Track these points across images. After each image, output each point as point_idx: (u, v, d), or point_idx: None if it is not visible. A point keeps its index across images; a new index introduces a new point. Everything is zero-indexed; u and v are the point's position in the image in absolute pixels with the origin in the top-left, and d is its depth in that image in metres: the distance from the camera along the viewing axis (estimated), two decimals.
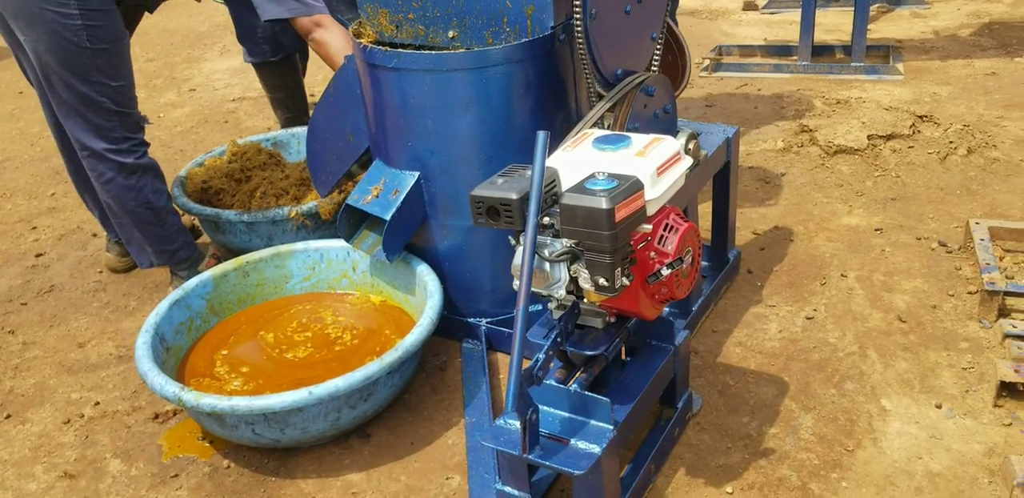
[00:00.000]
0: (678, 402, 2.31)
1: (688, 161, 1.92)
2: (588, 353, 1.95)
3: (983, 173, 3.45)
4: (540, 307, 2.63)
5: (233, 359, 2.51)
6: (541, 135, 1.69)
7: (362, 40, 2.34)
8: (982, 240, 2.84)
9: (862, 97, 4.11)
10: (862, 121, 3.71)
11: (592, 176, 1.70)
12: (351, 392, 2.17)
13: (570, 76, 2.36)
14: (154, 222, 2.84)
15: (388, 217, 2.39)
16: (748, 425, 2.34)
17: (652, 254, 1.83)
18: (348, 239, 2.58)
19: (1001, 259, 2.82)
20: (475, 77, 2.21)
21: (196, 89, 5.34)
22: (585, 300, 1.83)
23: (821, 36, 4.79)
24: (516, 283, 1.85)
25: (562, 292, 1.80)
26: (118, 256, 3.28)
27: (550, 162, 1.86)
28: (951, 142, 3.59)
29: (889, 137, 3.64)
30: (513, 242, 1.84)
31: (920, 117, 3.76)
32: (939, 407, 2.34)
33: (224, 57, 5.88)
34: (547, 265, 1.77)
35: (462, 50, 2.24)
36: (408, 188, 2.40)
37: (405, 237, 2.49)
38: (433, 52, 2.21)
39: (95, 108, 2.64)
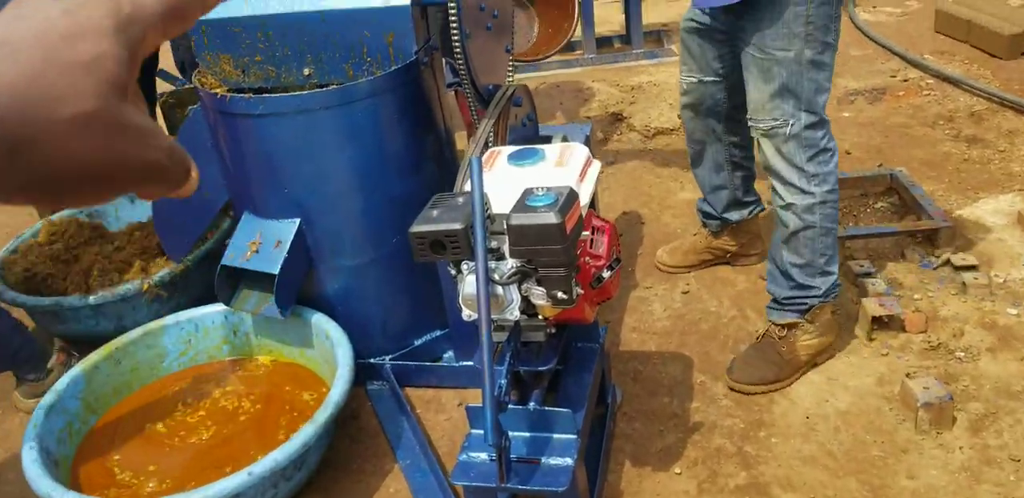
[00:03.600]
0: (608, 397, 2.35)
1: (598, 164, 1.95)
2: (540, 369, 1.94)
3: None
4: (438, 334, 2.59)
5: (131, 462, 2.25)
6: (475, 162, 1.66)
7: (216, 90, 2.18)
8: None
9: (652, 80, 4.35)
10: (669, 103, 3.93)
11: (530, 192, 1.69)
12: (288, 464, 2.03)
13: (435, 97, 2.32)
14: None
15: (277, 271, 2.24)
16: (671, 405, 2.42)
17: (587, 259, 1.85)
18: (228, 302, 2.40)
19: None
20: (346, 113, 2.13)
21: None
22: (539, 316, 1.82)
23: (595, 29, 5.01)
24: (467, 313, 1.81)
25: (516, 313, 1.77)
26: None
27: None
28: None
29: None
30: (454, 272, 1.79)
31: None
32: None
33: None
34: (499, 289, 1.73)
35: (330, 87, 2.15)
36: (291, 237, 2.26)
37: (296, 288, 2.35)
38: (298, 93, 2.10)
39: None
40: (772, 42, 2.15)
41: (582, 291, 1.77)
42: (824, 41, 2.17)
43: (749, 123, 2.32)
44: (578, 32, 4.73)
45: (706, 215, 2.86)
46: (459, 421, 2.43)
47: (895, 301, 2.61)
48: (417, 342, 2.57)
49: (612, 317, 2.78)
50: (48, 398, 2.25)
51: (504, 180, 1.84)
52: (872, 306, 2.55)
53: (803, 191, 2.29)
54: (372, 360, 2.53)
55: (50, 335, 2.85)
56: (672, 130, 3.81)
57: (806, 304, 2.42)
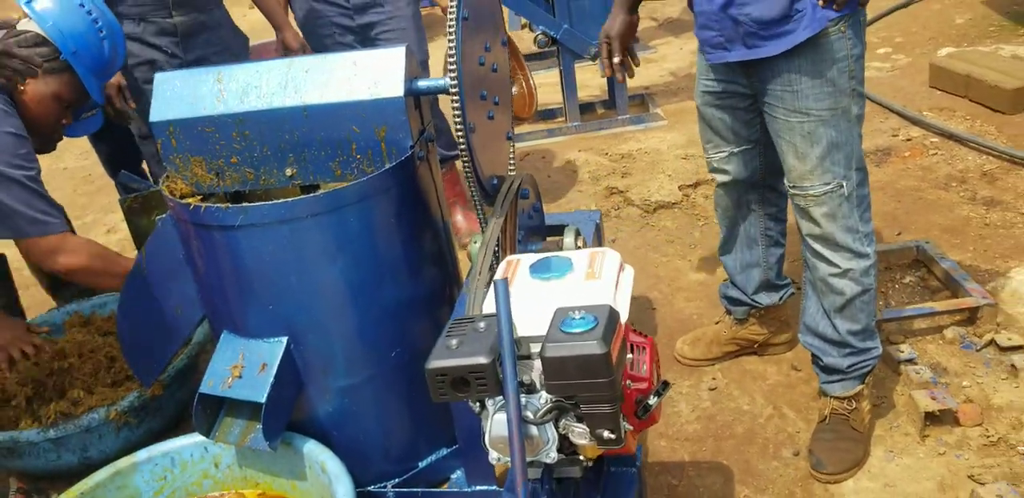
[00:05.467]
0: None
1: (631, 271, 1.72)
2: None
3: None
4: (444, 452, 2.32)
5: None
6: (500, 285, 1.42)
7: (190, 200, 1.93)
8: None
9: (642, 148, 4.16)
10: (667, 174, 3.73)
11: (564, 315, 1.44)
12: None
13: (433, 193, 2.09)
14: None
15: (264, 399, 1.96)
16: None
17: (629, 382, 1.59)
18: (208, 434, 2.10)
19: None
20: (337, 220, 1.88)
21: None
22: (582, 457, 1.56)
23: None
24: (495, 456, 1.55)
25: (554, 455, 1.51)
26: None
27: (492, 306, 1.58)
28: None
29: (696, 185, 3.69)
30: (477, 409, 1.53)
31: None
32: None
33: None
34: (534, 429, 1.48)
35: (318, 192, 1.91)
36: (278, 359, 1.99)
37: (286, 416, 2.07)
38: (282, 201, 1.85)
39: None
40: (817, 103, 2.00)
41: (630, 427, 1.51)
42: (863, 92, 2.08)
43: (792, 192, 2.14)
44: (559, 99, 4.58)
45: (732, 301, 2.63)
46: None
47: (945, 391, 2.37)
48: (422, 464, 2.28)
49: None
50: None
51: (528, 296, 1.59)
52: (924, 400, 2.31)
53: (859, 254, 2.15)
54: (372, 488, 2.23)
55: (6, 472, 2.53)
56: (674, 204, 3.59)
57: (869, 366, 2.30)
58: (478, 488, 2.19)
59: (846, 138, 2.04)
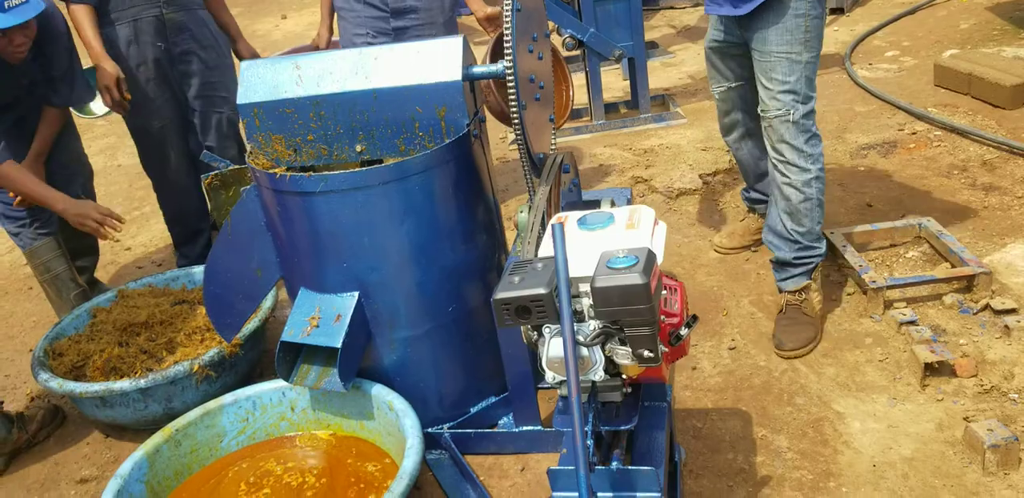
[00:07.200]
0: (675, 456, 2.34)
1: (664, 225, 1.99)
2: (623, 428, 1.95)
3: None
4: (493, 400, 2.59)
5: None
6: (557, 228, 1.70)
7: (275, 170, 2.22)
8: (845, 246, 3.15)
9: (663, 143, 4.44)
10: (688, 164, 4.01)
11: (609, 255, 1.72)
12: None
13: (484, 168, 2.38)
14: None
15: (339, 345, 2.25)
16: (735, 460, 2.42)
17: (663, 317, 1.87)
18: (288, 378, 2.39)
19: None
20: (402, 187, 2.18)
21: None
22: (622, 376, 1.83)
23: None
24: (551, 376, 1.82)
25: (601, 374, 1.78)
26: None
27: (545, 252, 1.87)
28: None
29: (715, 173, 3.97)
30: (535, 336, 1.81)
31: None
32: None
33: None
34: (584, 350, 1.75)
35: (385, 162, 2.20)
36: (351, 311, 2.28)
37: (357, 361, 2.36)
38: (357, 170, 2.15)
39: None
40: (777, 47, 2.66)
41: (666, 349, 1.79)
42: (816, 46, 2.70)
43: (759, 112, 2.79)
44: (584, 99, 4.87)
45: (754, 201, 3.30)
46: (523, 486, 2.41)
47: (944, 347, 2.63)
48: (473, 409, 2.57)
49: None
50: (114, 483, 2.22)
51: (576, 244, 1.87)
52: (923, 353, 2.57)
53: (802, 169, 2.76)
54: (430, 430, 2.52)
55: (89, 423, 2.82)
56: (695, 190, 3.87)
57: (813, 263, 2.89)
58: (525, 428, 2.47)
59: (796, 77, 2.67)
